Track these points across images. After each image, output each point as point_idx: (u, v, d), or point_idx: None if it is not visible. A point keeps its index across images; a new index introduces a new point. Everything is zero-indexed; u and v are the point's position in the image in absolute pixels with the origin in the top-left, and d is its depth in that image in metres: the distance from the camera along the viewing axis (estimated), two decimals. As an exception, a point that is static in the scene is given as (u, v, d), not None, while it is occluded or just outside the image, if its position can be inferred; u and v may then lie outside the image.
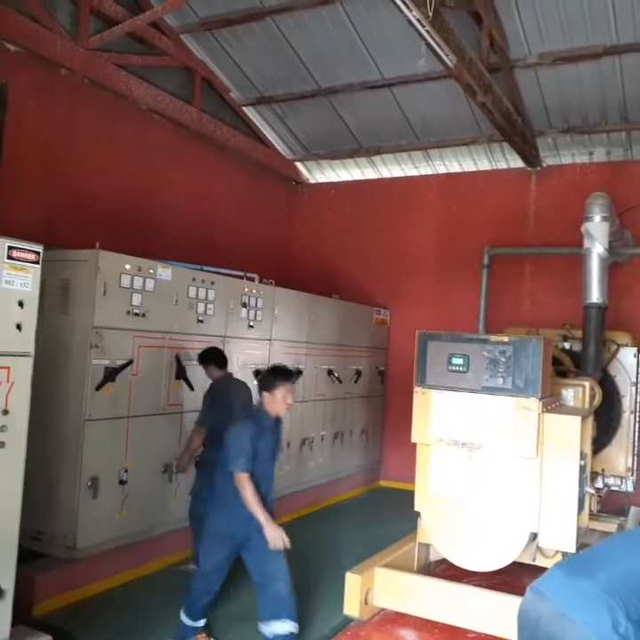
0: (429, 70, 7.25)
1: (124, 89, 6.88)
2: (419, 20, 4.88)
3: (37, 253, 3.34)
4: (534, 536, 4.03)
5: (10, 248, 3.22)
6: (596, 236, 6.02)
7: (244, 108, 8.88)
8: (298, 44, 7.51)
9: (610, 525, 5.56)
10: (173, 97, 7.55)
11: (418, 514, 5.07)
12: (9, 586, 3.28)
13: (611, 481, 6.11)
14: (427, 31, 5.03)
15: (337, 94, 8.34)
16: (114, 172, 6.87)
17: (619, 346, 6.62)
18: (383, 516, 7.55)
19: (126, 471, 5.03)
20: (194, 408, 5.44)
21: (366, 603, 4.34)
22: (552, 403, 4.24)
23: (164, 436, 5.44)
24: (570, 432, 3.90)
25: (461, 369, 4.03)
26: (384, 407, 9.09)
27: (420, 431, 4.23)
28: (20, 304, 3.26)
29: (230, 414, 5.31)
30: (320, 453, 7.62)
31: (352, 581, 4.30)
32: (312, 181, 10.24)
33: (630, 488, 6.31)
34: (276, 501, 6.89)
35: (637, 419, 6.67)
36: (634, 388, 6.62)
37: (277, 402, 3.94)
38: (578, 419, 3.96)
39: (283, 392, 3.93)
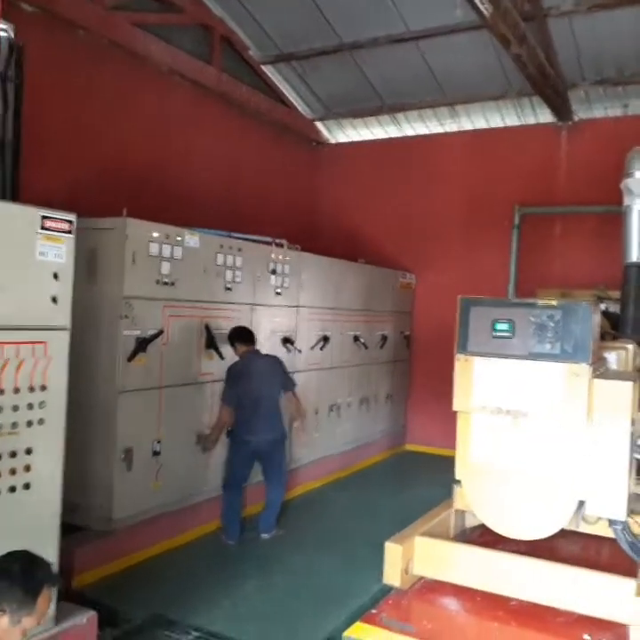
0: (458, 22, 6.97)
1: (143, 49, 6.65)
2: (454, -34, 4.60)
3: (71, 222, 3.21)
4: (581, 503, 3.94)
5: (43, 218, 3.09)
6: (637, 192, 5.76)
7: (262, 67, 8.60)
8: (320, -4, 7.21)
9: (650, 489, 5.45)
10: (192, 57, 7.31)
11: (454, 480, 5.02)
12: (54, 560, 3.24)
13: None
14: (462, -22, 4.75)
15: (360, 50, 8.04)
16: (135, 136, 6.68)
17: (657, 306, 6.41)
18: (412, 480, 7.54)
19: (159, 442, 4.99)
20: (224, 377, 5.37)
21: (406, 572, 4.29)
22: (599, 368, 4.10)
23: (196, 406, 5.39)
24: (622, 398, 3.75)
25: (507, 335, 3.88)
26: (409, 372, 8.99)
27: (461, 399, 4.09)
28: (55, 276, 3.15)
29: (257, 391, 5.26)
30: (347, 419, 7.57)
31: (392, 551, 4.23)
32: (333, 142, 9.98)
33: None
34: (306, 468, 6.93)
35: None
36: (672, 350, 6.44)
37: None
38: (630, 384, 3.80)
39: None
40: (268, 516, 5.47)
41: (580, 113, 8.12)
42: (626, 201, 5.88)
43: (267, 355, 5.66)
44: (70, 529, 4.52)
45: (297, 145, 9.52)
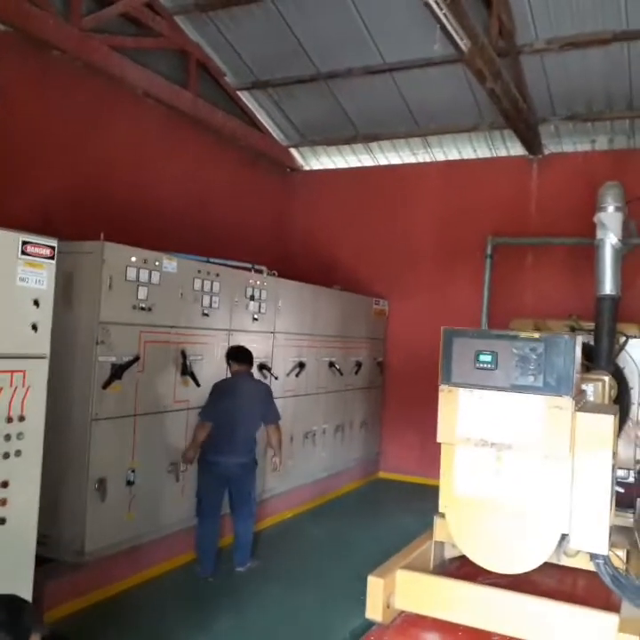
0: (433, 55, 7.10)
1: (119, 72, 6.60)
2: (437, 3, 4.70)
3: (52, 248, 3.13)
4: (564, 537, 3.94)
5: (24, 243, 3.01)
6: (610, 226, 5.91)
7: (238, 93, 8.63)
8: (298, 26, 7.28)
9: (625, 519, 5.51)
10: (168, 81, 7.29)
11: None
12: (27, 596, 3.08)
13: (620, 473, 6.05)
14: (444, 14, 4.85)
15: (336, 79, 8.13)
16: (109, 158, 6.61)
17: (627, 337, 6.55)
18: (387, 508, 7.48)
19: (133, 471, 4.85)
20: (200, 405, 5.29)
21: (388, 606, 4.23)
22: (580, 400, 4.14)
23: (170, 434, 5.27)
24: (604, 431, 3.80)
25: (490, 366, 3.90)
26: (382, 398, 8.98)
27: (445, 431, 4.08)
28: (36, 303, 3.05)
29: (237, 412, 5.17)
30: (322, 447, 7.50)
31: (374, 585, 4.18)
32: (307, 168, 10.02)
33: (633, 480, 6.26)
34: (279, 497, 6.82)
35: (644, 410, 6.64)
36: (642, 380, 6.57)
37: None
38: (611, 417, 3.86)
39: None
40: (239, 550, 5.32)
41: (551, 147, 8.32)
42: (599, 234, 6.02)
43: (258, 380, 5.61)
44: (39, 561, 4.35)
45: (271, 171, 9.54)
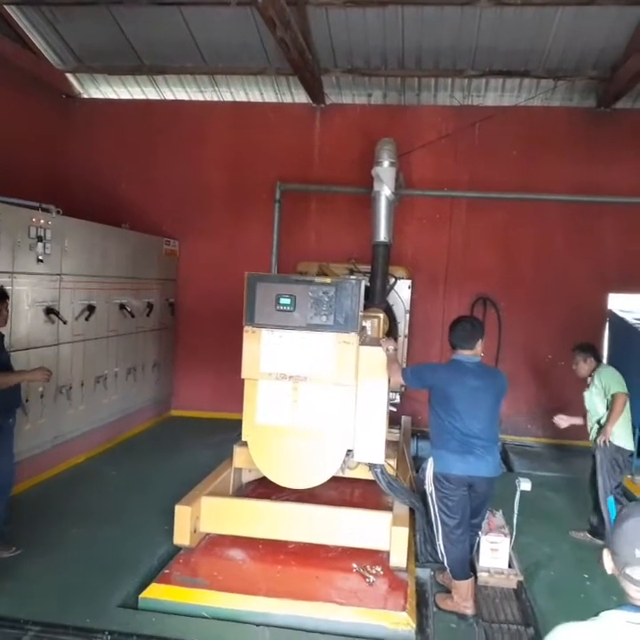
0: (223, -6, 7.09)
1: None
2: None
3: None
4: (348, 452, 4.56)
5: None
6: (385, 179, 6.58)
7: (6, 8, 7.77)
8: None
9: (393, 435, 6.40)
10: None
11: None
12: None
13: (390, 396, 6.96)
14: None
15: (119, 6, 7.70)
16: None
17: (397, 279, 7.44)
18: (181, 444, 7.72)
19: None
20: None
21: (194, 531, 4.55)
22: (362, 335, 4.72)
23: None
24: (381, 361, 4.43)
25: (288, 308, 4.28)
26: (175, 339, 9.08)
27: (249, 367, 4.42)
28: None
29: None
30: (114, 390, 7.44)
31: (182, 512, 4.46)
32: (86, 96, 9.40)
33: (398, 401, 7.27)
34: (71, 442, 6.69)
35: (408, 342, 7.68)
36: (407, 316, 7.56)
37: None
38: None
39: None
40: None
41: (332, 97, 8.80)
42: (375, 187, 6.68)
43: None
44: None
45: (45, 97, 8.80)
